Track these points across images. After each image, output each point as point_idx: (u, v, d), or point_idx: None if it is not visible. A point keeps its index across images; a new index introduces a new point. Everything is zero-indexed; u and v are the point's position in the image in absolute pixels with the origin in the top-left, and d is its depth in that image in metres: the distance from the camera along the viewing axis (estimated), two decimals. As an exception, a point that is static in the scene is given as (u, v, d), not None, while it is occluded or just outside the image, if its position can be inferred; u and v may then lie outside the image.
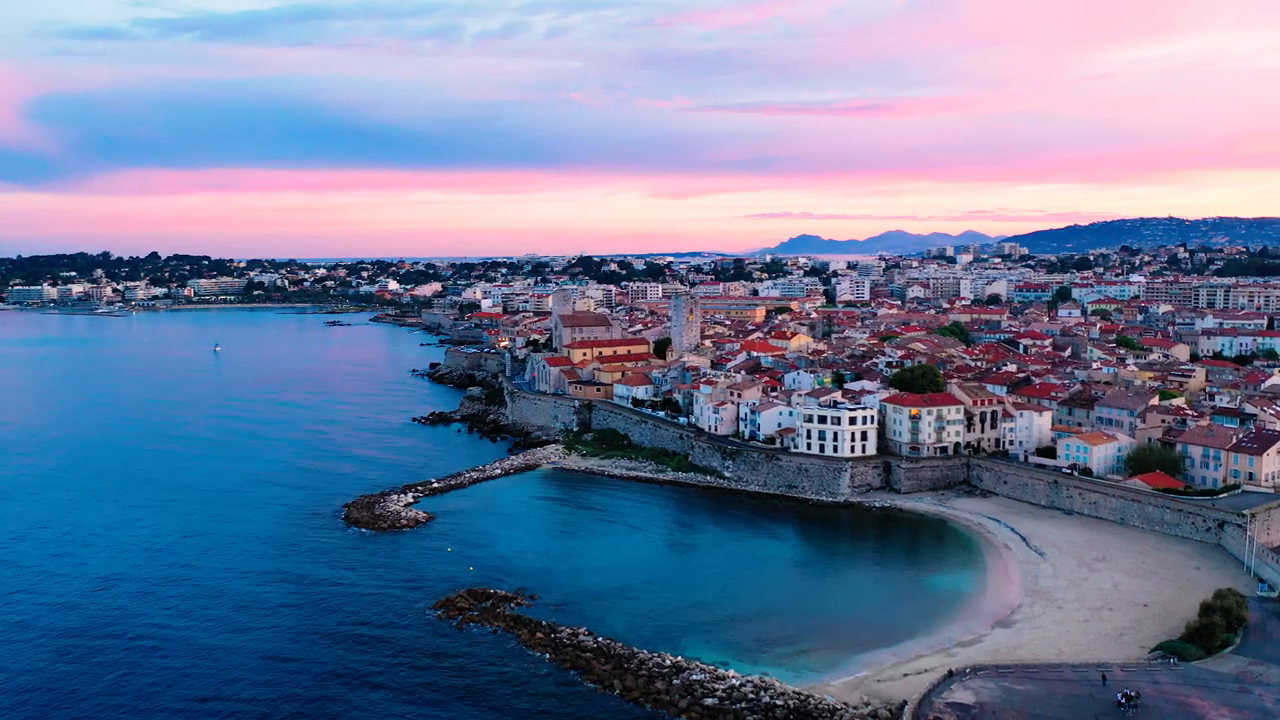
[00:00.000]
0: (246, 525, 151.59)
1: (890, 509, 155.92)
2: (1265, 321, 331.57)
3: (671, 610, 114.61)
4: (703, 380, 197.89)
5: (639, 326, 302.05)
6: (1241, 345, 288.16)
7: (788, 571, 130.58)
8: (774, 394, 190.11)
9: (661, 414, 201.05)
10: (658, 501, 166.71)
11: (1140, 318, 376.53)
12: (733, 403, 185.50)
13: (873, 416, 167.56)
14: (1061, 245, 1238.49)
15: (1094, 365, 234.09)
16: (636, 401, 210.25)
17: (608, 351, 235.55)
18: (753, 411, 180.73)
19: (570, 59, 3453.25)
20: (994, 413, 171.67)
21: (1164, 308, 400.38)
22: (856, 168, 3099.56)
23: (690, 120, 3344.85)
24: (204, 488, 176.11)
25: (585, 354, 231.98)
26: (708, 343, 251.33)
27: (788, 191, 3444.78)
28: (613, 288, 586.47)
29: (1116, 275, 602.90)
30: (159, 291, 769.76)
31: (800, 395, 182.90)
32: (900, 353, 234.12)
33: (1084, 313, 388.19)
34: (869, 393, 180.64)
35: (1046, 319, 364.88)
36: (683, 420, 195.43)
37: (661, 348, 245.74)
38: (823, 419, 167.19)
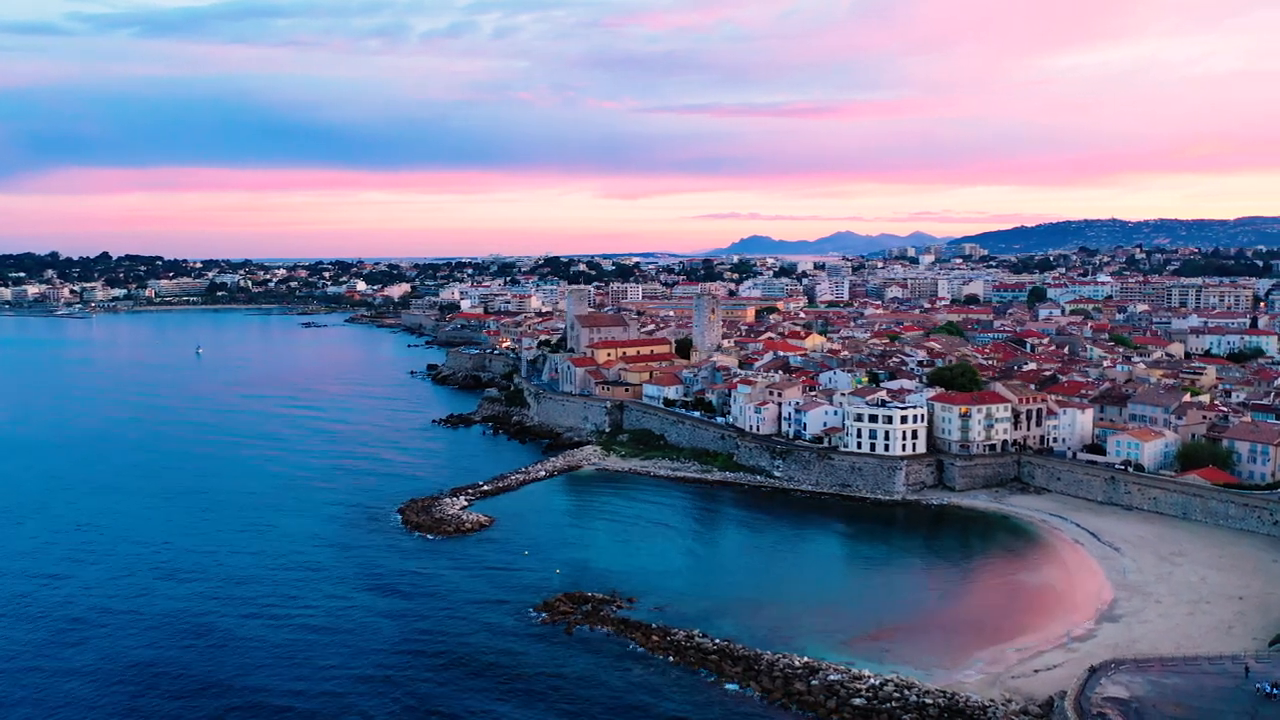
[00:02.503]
0: (306, 530, 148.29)
1: (948, 507, 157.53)
2: (1248, 320, 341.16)
3: (774, 610, 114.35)
4: (740, 380, 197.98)
5: (651, 326, 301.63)
6: (1229, 343, 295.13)
7: (871, 570, 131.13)
8: (812, 393, 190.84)
9: (696, 414, 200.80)
10: (713, 501, 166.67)
11: (1121, 317, 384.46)
12: (774, 402, 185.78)
13: (922, 415, 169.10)
14: (1009, 246, 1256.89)
15: (1105, 364, 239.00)
16: (668, 402, 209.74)
17: (631, 352, 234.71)
18: (797, 411, 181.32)
19: (518, 59, 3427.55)
20: (1038, 410, 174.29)
21: (1141, 307, 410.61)
22: (804, 169, 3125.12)
23: (639, 121, 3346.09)
24: (248, 493, 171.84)
25: (610, 354, 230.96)
26: (728, 342, 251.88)
27: (737, 193, 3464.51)
28: (589, 288, 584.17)
29: (1081, 276, 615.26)
30: (119, 292, 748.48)
31: (842, 394, 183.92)
32: (920, 352, 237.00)
33: (1063, 312, 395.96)
34: (908, 391, 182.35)
35: (1029, 318, 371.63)
36: (720, 420, 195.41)
37: (683, 348, 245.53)
38: (873, 418, 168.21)
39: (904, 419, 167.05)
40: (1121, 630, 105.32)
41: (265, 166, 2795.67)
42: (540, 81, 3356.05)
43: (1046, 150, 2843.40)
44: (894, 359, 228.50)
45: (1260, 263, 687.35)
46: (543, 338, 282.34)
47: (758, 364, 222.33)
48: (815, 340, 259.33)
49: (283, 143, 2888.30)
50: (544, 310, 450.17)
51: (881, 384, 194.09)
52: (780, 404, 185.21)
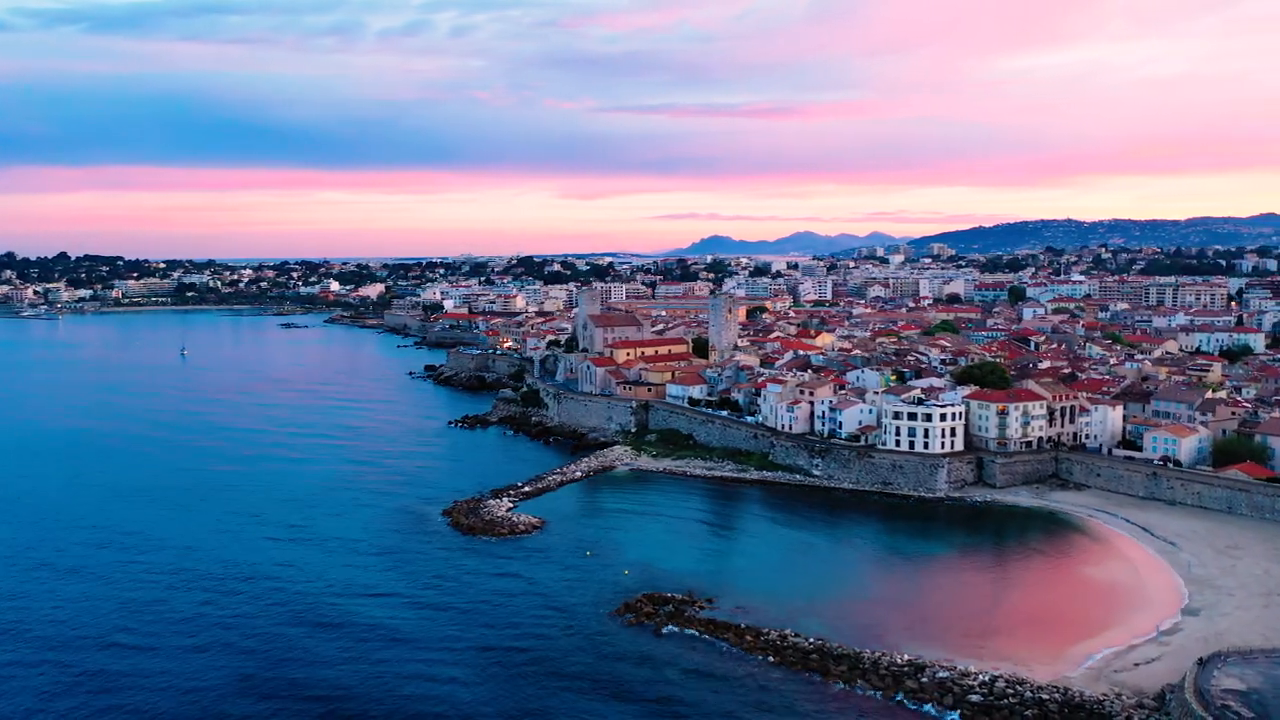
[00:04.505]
0: (353, 536, 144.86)
1: (992, 504, 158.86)
2: (1234, 318, 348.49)
3: (855, 608, 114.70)
4: (769, 379, 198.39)
5: (660, 326, 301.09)
6: (1218, 340, 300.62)
7: (936, 566, 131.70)
8: (842, 391, 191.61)
9: (724, 413, 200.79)
10: (755, 500, 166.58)
11: (1104, 315, 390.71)
12: (807, 401, 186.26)
13: (960, 413, 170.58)
14: (969, 246, 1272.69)
15: (1111, 361, 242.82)
16: (692, 401, 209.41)
17: (649, 351, 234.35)
18: (832, 409, 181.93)
19: (475, 58, 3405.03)
20: (1071, 407, 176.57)
21: (1121, 305, 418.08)
22: (763, 170, 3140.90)
23: (597, 121, 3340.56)
24: (279, 499, 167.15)
25: (629, 354, 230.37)
26: (744, 341, 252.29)
27: (695, 193, 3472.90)
28: (573, 286, 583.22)
29: (1053, 275, 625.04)
30: (85, 293, 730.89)
31: (875, 393, 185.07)
32: (935, 350, 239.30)
33: (1046, 311, 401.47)
34: (939, 390, 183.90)
35: (1015, 317, 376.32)
36: (749, 419, 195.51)
37: (698, 347, 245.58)
38: (912, 415, 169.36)
39: (943, 417, 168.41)
40: (1205, 624, 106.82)
41: (219, 166, 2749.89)
42: (498, 81, 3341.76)
43: (1001, 152, 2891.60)
44: (909, 356, 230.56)
45: (1223, 262, 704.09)
46: (550, 338, 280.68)
47: (779, 363, 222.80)
48: (826, 339, 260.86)
49: (237, 142, 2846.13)
50: (530, 310, 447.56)
51: (908, 382, 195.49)
52: (812, 403, 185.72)
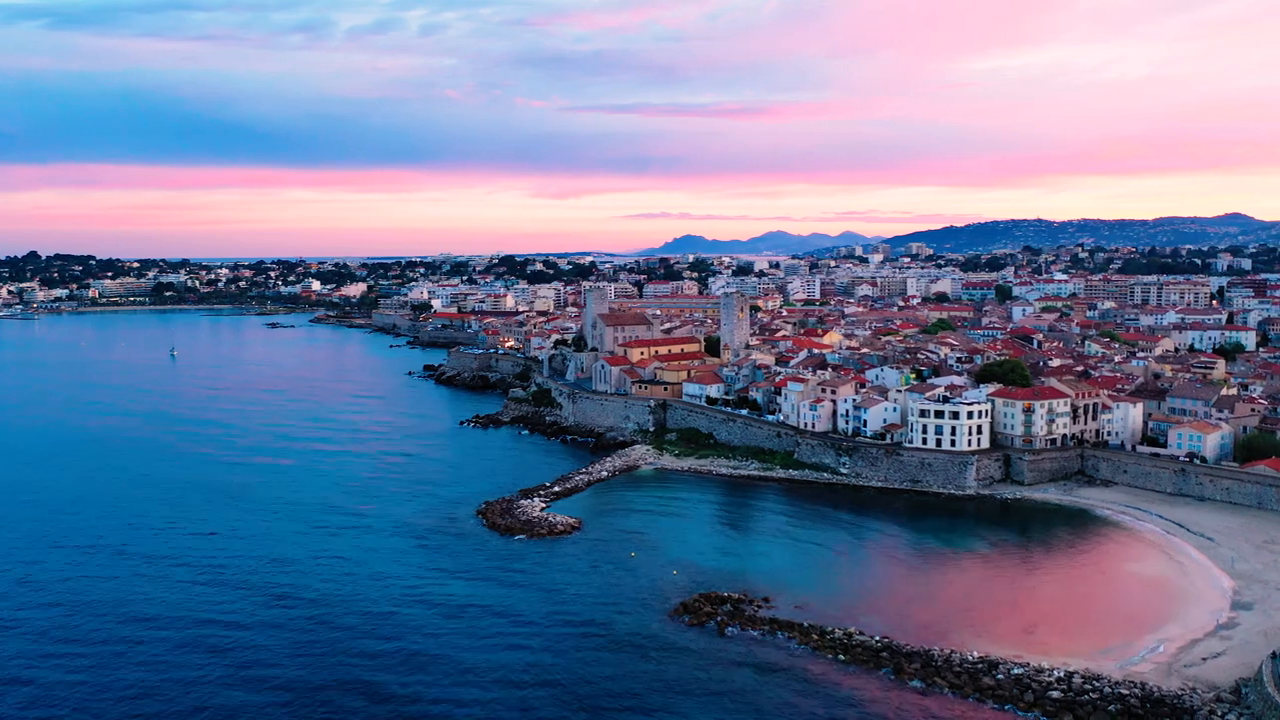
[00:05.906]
0: (388, 540, 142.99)
1: (1022, 500, 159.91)
2: (1225, 316, 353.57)
3: (911, 606, 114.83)
4: (790, 377, 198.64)
5: (666, 325, 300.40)
6: (1210, 339, 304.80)
7: (979, 563, 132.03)
8: (864, 389, 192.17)
9: (744, 412, 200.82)
10: (785, 498, 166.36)
11: (1094, 314, 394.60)
12: (830, 400, 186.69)
13: (986, 410, 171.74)
14: (941, 245, 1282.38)
15: (1117, 359, 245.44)
16: (710, 400, 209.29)
17: (663, 350, 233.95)
18: (856, 407, 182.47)
19: (445, 57, 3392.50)
20: (1094, 405, 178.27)
21: (1108, 304, 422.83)
22: (733, 169, 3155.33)
23: (568, 120, 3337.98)
24: (303, 502, 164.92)
25: (643, 353, 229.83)
26: (755, 339, 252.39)
27: (667, 193, 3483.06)
28: (559, 285, 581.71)
29: (1034, 274, 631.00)
30: (61, 293, 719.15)
31: (898, 391, 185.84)
32: (944, 349, 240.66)
33: (1035, 311, 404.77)
34: (960, 388, 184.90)
35: (1008, 316, 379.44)
36: (769, 418, 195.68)
37: (709, 346, 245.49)
38: (939, 414, 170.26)
39: (970, 414, 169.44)
40: (1261, 618, 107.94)
41: (187, 164, 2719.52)
42: (467, 79, 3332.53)
43: (968, 152, 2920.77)
44: (921, 355, 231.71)
45: (1198, 261, 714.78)
46: (555, 337, 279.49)
47: (794, 361, 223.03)
48: (834, 338, 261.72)
49: (204, 140, 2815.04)
50: (528, 310, 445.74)
51: (928, 380, 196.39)
52: (835, 401, 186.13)
